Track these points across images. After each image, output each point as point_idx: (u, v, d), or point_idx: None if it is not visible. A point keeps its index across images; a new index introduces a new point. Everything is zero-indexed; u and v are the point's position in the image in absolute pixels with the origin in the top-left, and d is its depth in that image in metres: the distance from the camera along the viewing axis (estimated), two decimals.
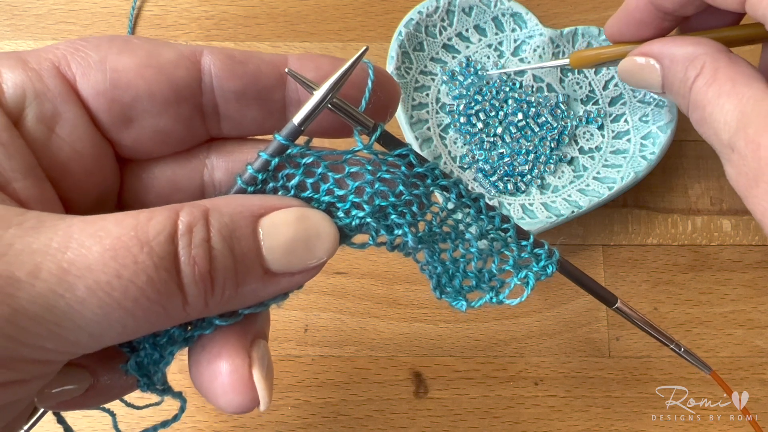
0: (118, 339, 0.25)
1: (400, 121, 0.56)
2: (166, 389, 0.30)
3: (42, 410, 0.30)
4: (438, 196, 0.31)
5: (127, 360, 0.29)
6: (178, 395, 0.31)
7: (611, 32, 0.48)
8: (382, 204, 0.29)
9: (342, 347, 0.54)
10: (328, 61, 0.30)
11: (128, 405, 0.34)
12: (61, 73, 0.27)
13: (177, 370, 0.50)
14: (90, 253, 0.23)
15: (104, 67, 0.27)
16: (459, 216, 0.32)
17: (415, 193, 0.30)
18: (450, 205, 0.31)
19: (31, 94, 0.27)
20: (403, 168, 0.29)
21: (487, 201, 0.31)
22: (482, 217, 0.31)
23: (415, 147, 0.55)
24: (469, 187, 0.51)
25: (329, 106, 0.27)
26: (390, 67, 0.57)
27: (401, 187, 0.29)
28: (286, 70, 0.27)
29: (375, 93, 0.29)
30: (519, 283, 0.32)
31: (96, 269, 0.22)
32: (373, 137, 0.28)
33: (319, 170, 0.29)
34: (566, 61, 0.51)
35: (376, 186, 0.29)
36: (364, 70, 0.29)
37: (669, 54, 0.42)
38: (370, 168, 0.29)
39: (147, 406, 0.35)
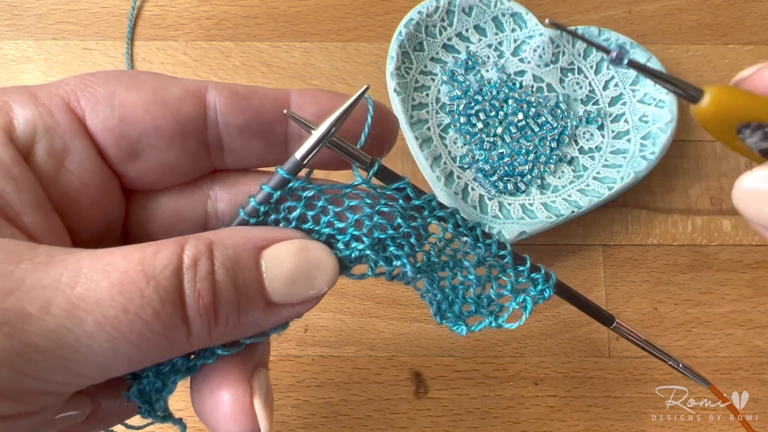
0: (123, 370, 0.25)
1: (400, 120, 0.56)
2: (167, 416, 0.31)
3: None
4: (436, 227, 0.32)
5: (129, 386, 0.30)
6: (179, 422, 0.32)
7: None
8: (381, 236, 0.30)
9: (342, 347, 0.54)
10: (328, 96, 0.31)
11: (129, 427, 0.35)
12: (71, 109, 0.28)
13: None
14: (98, 287, 0.23)
15: (112, 102, 0.28)
16: (457, 245, 0.32)
17: (413, 225, 0.30)
18: (447, 235, 0.32)
19: (41, 130, 0.27)
20: (400, 201, 0.30)
21: (484, 230, 0.32)
22: (479, 245, 0.31)
23: (415, 147, 0.55)
24: (469, 188, 0.51)
25: (327, 144, 0.28)
26: (390, 67, 0.57)
27: (399, 220, 0.30)
28: (285, 111, 0.28)
29: (374, 128, 0.30)
30: (517, 307, 0.33)
31: (104, 304, 0.23)
32: (371, 172, 0.29)
33: (320, 203, 0.30)
34: (699, 91, 0.26)
35: (375, 219, 0.30)
36: (364, 106, 0.30)
37: None
38: (369, 201, 0.30)
39: (147, 425, 0.35)
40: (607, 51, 0.25)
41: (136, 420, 0.36)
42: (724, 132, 0.26)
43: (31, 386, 0.23)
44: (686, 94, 0.25)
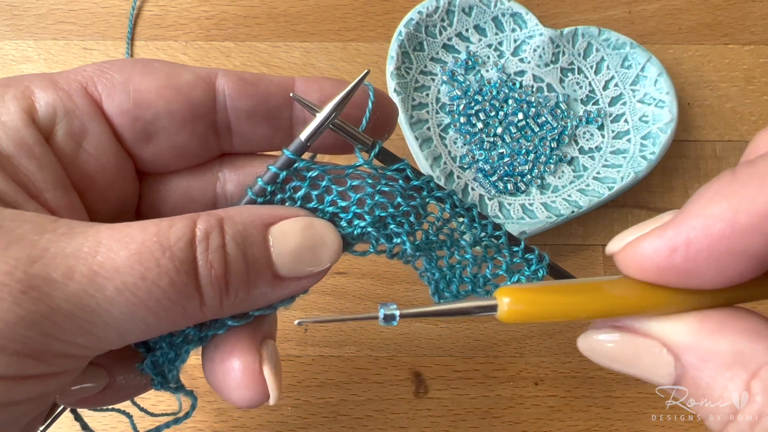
0: (141, 336, 0.27)
1: (400, 121, 0.56)
2: (179, 387, 0.33)
3: (61, 408, 0.33)
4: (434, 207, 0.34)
5: (143, 359, 0.32)
6: (190, 393, 0.34)
7: (650, 258, 0.25)
8: (382, 214, 0.32)
9: (342, 347, 0.54)
10: (331, 83, 0.33)
11: (141, 409, 0.37)
12: (89, 93, 0.30)
13: None
14: (117, 257, 0.25)
15: (128, 87, 0.30)
16: (454, 225, 0.34)
17: (412, 204, 0.32)
18: (445, 215, 0.34)
19: (61, 112, 0.30)
20: (400, 181, 0.32)
21: (480, 210, 0.34)
22: (475, 225, 0.33)
23: (415, 147, 0.56)
24: (469, 188, 0.51)
25: (331, 126, 0.30)
26: (390, 67, 0.57)
27: (399, 199, 0.32)
28: (291, 94, 0.31)
29: (374, 113, 0.32)
30: None
31: (123, 271, 0.25)
32: (372, 154, 0.31)
33: (324, 183, 0.32)
34: (493, 304, 0.26)
35: (376, 198, 0.32)
36: (365, 92, 0.32)
37: (704, 348, 0.24)
38: (370, 181, 0.32)
39: (162, 414, 0.37)
40: (375, 317, 0.27)
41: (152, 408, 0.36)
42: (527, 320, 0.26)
43: (56, 348, 0.25)
44: (482, 311, 0.26)
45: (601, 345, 0.26)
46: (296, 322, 0.27)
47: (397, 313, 0.26)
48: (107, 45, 0.63)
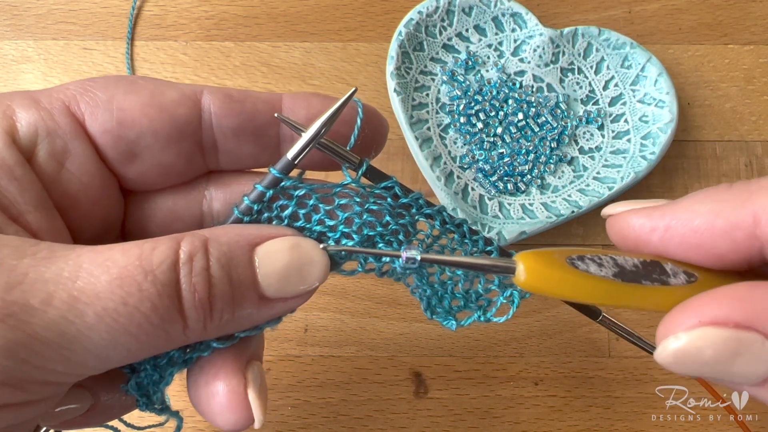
0: (123, 361, 0.27)
1: (400, 121, 0.56)
2: (164, 408, 0.32)
3: (44, 430, 0.32)
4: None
5: (128, 380, 0.31)
6: (176, 414, 0.33)
7: (632, 230, 0.27)
8: (370, 233, 0.31)
9: (342, 347, 0.54)
10: (319, 100, 0.32)
11: (128, 425, 0.36)
12: (71, 112, 0.30)
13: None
14: (98, 281, 0.25)
15: (111, 106, 0.30)
16: (444, 241, 0.34)
17: (401, 223, 0.32)
18: (435, 232, 0.33)
19: (43, 132, 0.29)
20: (389, 199, 0.31)
21: (471, 226, 0.33)
22: (466, 241, 0.33)
23: (415, 147, 0.56)
24: (469, 188, 0.51)
25: (317, 146, 0.30)
26: (390, 67, 0.57)
27: (388, 217, 0.31)
28: (276, 115, 0.30)
29: (363, 130, 0.32)
30: (505, 301, 0.34)
31: (104, 297, 0.25)
32: (360, 172, 0.31)
33: (311, 202, 0.31)
34: (510, 264, 0.26)
35: (365, 217, 0.31)
36: (354, 108, 0.32)
37: None
38: (358, 200, 0.31)
39: (149, 426, 0.36)
40: (397, 255, 0.28)
41: (138, 422, 0.36)
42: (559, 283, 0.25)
43: (35, 376, 0.24)
44: (502, 270, 0.27)
45: (697, 346, 0.22)
46: (321, 246, 0.28)
47: (419, 256, 0.28)
48: (107, 45, 0.63)
